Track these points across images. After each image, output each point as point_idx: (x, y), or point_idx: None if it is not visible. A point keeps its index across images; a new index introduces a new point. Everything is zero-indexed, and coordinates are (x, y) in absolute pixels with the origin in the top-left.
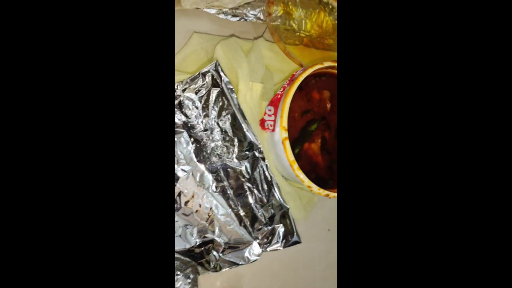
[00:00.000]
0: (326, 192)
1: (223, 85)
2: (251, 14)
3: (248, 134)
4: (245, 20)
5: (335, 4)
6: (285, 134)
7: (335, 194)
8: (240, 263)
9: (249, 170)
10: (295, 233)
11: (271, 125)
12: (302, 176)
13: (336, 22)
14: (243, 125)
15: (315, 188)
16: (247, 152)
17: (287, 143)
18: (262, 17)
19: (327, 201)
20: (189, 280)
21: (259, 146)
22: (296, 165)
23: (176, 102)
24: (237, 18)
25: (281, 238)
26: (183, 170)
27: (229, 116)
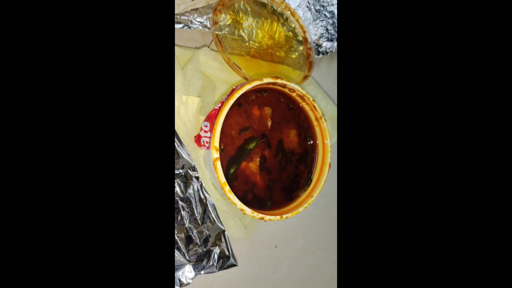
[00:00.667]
0: (260, 215)
1: None
2: (197, 21)
3: (181, 152)
4: (189, 27)
5: (288, 14)
6: (216, 155)
7: (271, 217)
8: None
9: (182, 188)
10: (231, 256)
11: (207, 142)
12: (233, 199)
13: (290, 33)
14: (175, 142)
15: (248, 211)
16: (180, 170)
17: (219, 163)
18: (209, 25)
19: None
20: None
21: (192, 164)
22: (227, 188)
23: None
24: (181, 25)
25: (216, 260)
26: None
27: None
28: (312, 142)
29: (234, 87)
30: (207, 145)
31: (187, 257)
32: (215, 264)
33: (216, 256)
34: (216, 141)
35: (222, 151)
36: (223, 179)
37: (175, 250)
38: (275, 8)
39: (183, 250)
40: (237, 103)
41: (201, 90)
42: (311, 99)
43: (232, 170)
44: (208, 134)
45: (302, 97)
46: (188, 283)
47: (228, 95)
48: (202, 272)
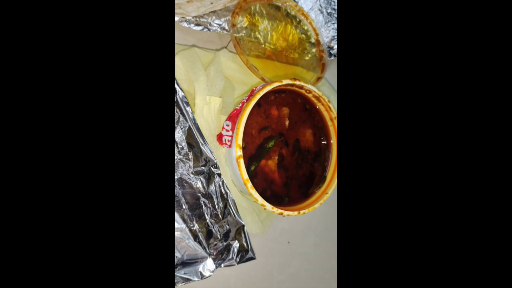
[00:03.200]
0: (280, 210)
1: (178, 99)
2: (216, 23)
3: (204, 149)
4: (208, 30)
5: (302, 17)
6: (240, 152)
7: (290, 213)
8: (194, 279)
9: (205, 185)
10: (250, 250)
11: (228, 141)
12: (256, 195)
13: (303, 35)
14: (198, 139)
15: (268, 206)
16: (203, 167)
17: (242, 161)
18: (227, 28)
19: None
20: None
21: (215, 161)
22: (250, 184)
23: None
24: (200, 27)
25: (235, 254)
26: None
27: (184, 130)
28: (326, 142)
29: (254, 88)
30: (228, 143)
31: (207, 251)
32: (235, 258)
33: (235, 250)
34: (239, 140)
35: (243, 149)
36: (246, 175)
37: (197, 244)
38: (289, 11)
39: (204, 244)
40: (257, 103)
41: (222, 91)
42: (326, 100)
43: (252, 168)
44: (230, 133)
45: (318, 98)
46: (209, 276)
47: (250, 96)
48: (222, 265)
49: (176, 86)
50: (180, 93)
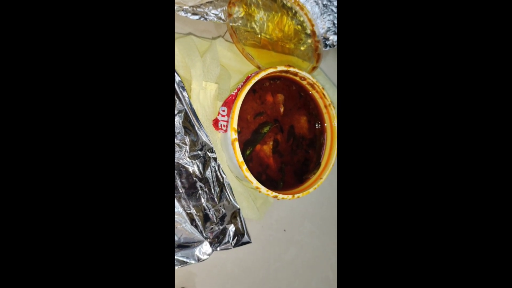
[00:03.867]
0: (274, 193)
1: (175, 84)
2: (213, 13)
3: (200, 134)
4: (205, 19)
5: (297, 8)
6: (235, 136)
7: (284, 196)
8: (191, 261)
9: (201, 169)
10: (245, 233)
11: (224, 126)
12: (250, 177)
13: (298, 26)
14: (195, 124)
15: (263, 189)
16: (199, 152)
17: (237, 144)
18: (223, 17)
19: (283, 201)
20: None
21: (211, 146)
22: (244, 167)
23: None
24: (197, 17)
25: (231, 237)
26: None
27: (180, 114)
28: (320, 126)
29: (249, 75)
30: (224, 128)
31: (204, 234)
32: (231, 241)
33: (231, 234)
34: (234, 123)
35: (238, 133)
36: (240, 158)
37: (194, 228)
38: (285, 2)
39: (201, 228)
40: (252, 89)
41: (218, 78)
42: (320, 87)
43: (248, 152)
44: (226, 118)
45: (312, 85)
46: (206, 259)
47: (245, 81)
48: (218, 248)
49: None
50: (176, 78)
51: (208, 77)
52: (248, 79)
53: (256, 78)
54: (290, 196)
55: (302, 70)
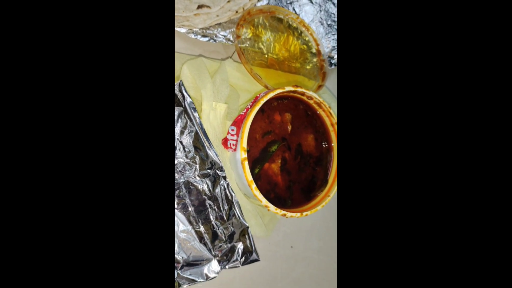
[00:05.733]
0: (283, 212)
1: (186, 105)
2: (221, 35)
3: (210, 153)
4: (214, 41)
5: (303, 29)
6: (244, 155)
7: (292, 214)
8: (199, 280)
9: (210, 187)
10: (254, 251)
11: (233, 145)
12: (259, 196)
13: (304, 46)
14: (205, 143)
15: (272, 208)
16: (208, 170)
17: (246, 163)
18: (231, 39)
19: (291, 218)
20: None
21: (220, 164)
22: (254, 185)
23: None
24: (207, 39)
25: (240, 255)
26: None
27: (191, 134)
28: (327, 145)
29: (258, 95)
30: (233, 147)
31: (212, 252)
32: (239, 259)
33: (240, 252)
34: (244, 143)
35: (247, 152)
36: (250, 177)
37: (202, 246)
38: (291, 23)
39: (209, 245)
40: (261, 109)
41: (227, 98)
42: (327, 106)
43: (256, 170)
44: (235, 138)
45: (319, 104)
46: (214, 277)
47: (254, 102)
48: (227, 266)
49: (184, 92)
50: (188, 99)
51: (218, 98)
52: (257, 99)
53: (265, 99)
54: (299, 214)
55: (308, 90)
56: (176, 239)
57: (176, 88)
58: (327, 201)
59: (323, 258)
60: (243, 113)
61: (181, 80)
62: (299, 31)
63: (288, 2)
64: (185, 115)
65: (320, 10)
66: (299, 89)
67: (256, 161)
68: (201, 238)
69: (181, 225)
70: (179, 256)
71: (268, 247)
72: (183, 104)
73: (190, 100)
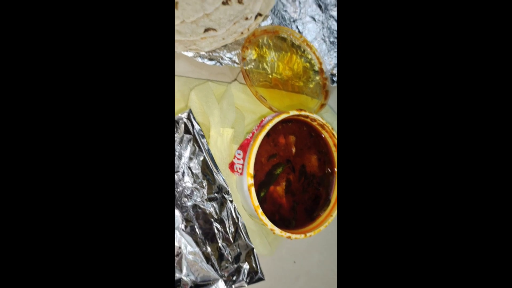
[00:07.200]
0: (287, 234)
1: (195, 133)
2: (227, 57)
3: (217, 177)
4: (221, 64)
5: (306, 47)
6: (251, 181)
7: (297, 236)
8: None
9: (217, 211)
10: (259, 271)
11: (239, 169)
12: (265, 220)
13: (307, 64)
14: (213, 169)
15: (277, 231)
16: (216, 194)
17: (253, 189)
18: (237, 60)
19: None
20: None
21: (227, 188)
22: (260, 210)
23: None
24: (213, 62)
25: (245, 275)
26: None
27: (199, 160)
28: (330, 166)
29: (263, 119)
30: (239, 171)
31: (219, 273)
32: (245, 279)
33: (246, 272)
34: (250, 169)
35: (254, 177)
36: (256, 202)
37: (210, 267)
38: (294, 41)
39: (216, 266)
40: (267, 133)
41: (233, 122)
42: (330, 128)
43: (262, 194)
44: (241, 161)
45: (322, 126)
46: None
47: (260, 126)
48: (233, 286)
49: (193, 120)
50: (196, 127)
51: (225, 123)
52: (262, 124)
53: (271, 124)
54: (303, 236)
55: (312, 112)
56: (184, 261)
57: (186, 116)
58: (330, 221)
59: (324, 271)
60: (249, 137)
61: (190, 109)
62: (302, 49)
63: (292, 20)
64: (194, 143)
65: (323, 28)
66: (303, 113)
67: (262, 185)
68: (208, 259)
69: (189, 247)
70: (188, 278)
71: (272, 262)
72: (192, 131)
73: (199, 127)
